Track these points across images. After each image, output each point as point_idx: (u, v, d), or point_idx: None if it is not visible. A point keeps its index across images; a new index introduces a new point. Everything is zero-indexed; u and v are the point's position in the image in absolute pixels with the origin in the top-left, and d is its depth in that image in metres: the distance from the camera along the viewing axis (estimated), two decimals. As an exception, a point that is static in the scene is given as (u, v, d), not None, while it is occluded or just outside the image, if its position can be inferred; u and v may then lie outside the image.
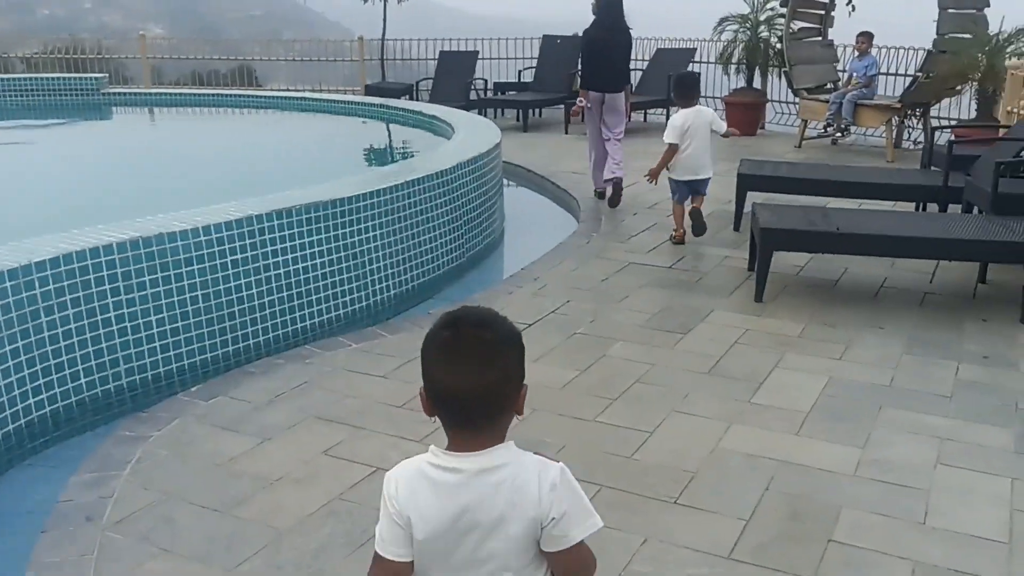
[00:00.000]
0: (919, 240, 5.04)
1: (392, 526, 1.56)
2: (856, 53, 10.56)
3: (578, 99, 7.80)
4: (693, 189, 6.31)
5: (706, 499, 3.18)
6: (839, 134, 10.67)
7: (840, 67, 11.11)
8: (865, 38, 10.42)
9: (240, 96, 12.24)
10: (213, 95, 12.33)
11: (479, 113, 10.94)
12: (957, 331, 4.76)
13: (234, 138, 10.64)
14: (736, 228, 6.73)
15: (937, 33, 9.49)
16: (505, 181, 7.49)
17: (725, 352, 4.47)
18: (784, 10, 10.99)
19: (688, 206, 6.29)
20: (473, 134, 7.12)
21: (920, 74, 9.67)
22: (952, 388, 4.07)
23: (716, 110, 13.36)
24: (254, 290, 4.51)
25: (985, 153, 6.60)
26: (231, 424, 3.74)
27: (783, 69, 11.03)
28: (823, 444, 3.58)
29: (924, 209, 6.84)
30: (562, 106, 12.26)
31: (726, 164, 9.54)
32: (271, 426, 3.72)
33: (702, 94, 9.24)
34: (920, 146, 10.47)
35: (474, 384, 1.51)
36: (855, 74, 10.40)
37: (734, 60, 11.99)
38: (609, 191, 7.51)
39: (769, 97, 12.28)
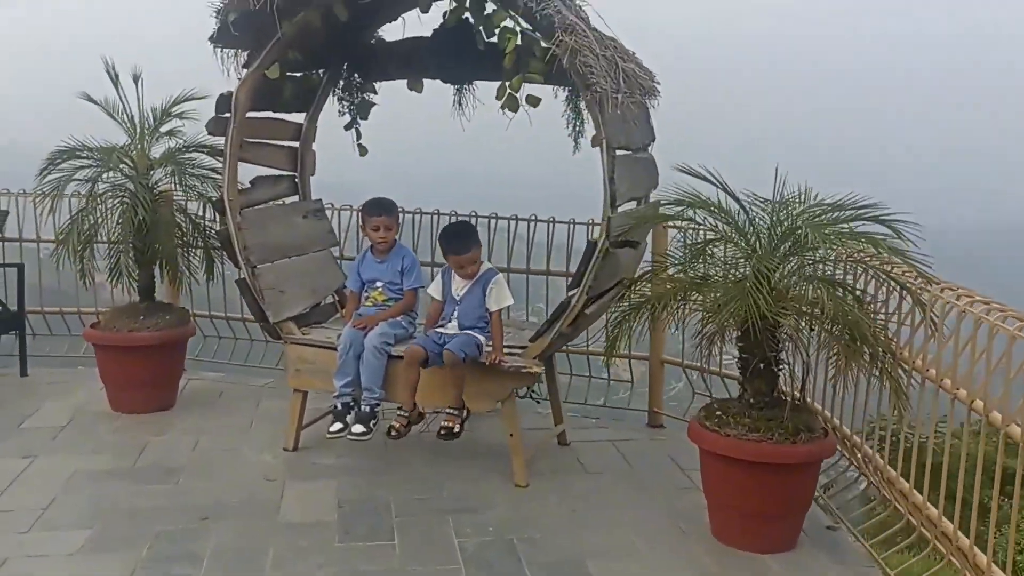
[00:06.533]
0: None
1: None
2: (371, 246, 4.71)
3: None
4: None
5: None
6: (360, 422, 4.22)
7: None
8: (385, 221, 4.63)
9: None
10: None
11: None
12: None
13: None
14: None
15: (612, 203, 4.06)
16: None
17: None
18: (219, 140, 4.67)
19: None
20: None
21: (574, 292, 4.17)
22: None
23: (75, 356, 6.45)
24: None
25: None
26: None
27: (240, 275, 4.66)
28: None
29: None
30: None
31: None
32: None
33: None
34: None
35: None
36: (379, 283, 4.60)
37: (105, 239, 5.31)
38: None
39: (193, 314, 5.79)
